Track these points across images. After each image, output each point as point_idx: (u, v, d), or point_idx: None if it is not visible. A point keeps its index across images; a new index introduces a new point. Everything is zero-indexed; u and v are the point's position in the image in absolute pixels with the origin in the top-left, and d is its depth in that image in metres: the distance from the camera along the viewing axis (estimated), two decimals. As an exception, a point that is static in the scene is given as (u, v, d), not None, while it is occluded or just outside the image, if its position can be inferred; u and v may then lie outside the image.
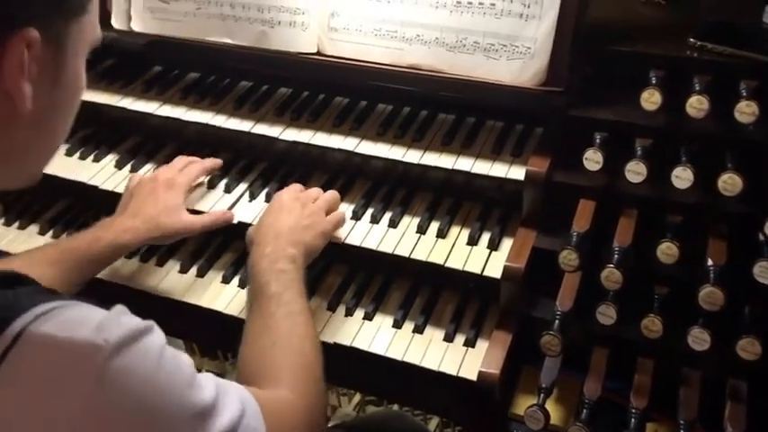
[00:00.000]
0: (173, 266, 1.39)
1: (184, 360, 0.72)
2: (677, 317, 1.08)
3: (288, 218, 1.16)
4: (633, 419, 1.07)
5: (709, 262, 1.06)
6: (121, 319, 0.67)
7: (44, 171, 0.79)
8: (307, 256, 1.14)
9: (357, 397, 2.04)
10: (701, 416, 1.08)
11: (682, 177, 1.08)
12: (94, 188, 1.42)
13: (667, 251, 1.08)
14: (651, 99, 1.10)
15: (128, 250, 1.24)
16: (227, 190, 1.39)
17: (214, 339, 1.58)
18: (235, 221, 1.32)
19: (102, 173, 1.45)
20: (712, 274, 1.04)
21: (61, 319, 0.63)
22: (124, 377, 0.63)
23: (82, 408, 0.61)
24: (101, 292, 0.75)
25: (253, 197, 1.37)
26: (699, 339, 1.05)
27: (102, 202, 1.42)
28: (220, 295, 1.31)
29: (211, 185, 1.40)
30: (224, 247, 1.42)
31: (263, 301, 1.03)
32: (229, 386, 0.77)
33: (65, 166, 1.46)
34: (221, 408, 0.72)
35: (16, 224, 1.51)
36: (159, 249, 1.41)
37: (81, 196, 1.51)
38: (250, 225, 1.23)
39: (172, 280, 1.36)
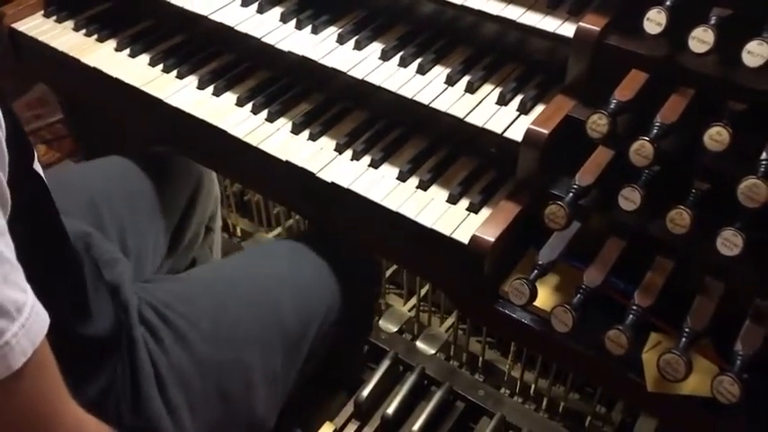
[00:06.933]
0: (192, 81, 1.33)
1: None
2: (712, 219, 0.92)
3: None
4: (631, 315, 0.93)
5: (764, 155, 0.89)
6: None
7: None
8: None
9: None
10: (713, 333, 0.94)
11: (755, 54, 0.89)
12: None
13: (716, 136, 0.91)
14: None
15: None
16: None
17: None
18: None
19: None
20: (763, 168, 0.88)
21: None
22: None
23: None
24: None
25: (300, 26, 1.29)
26: (729, 243, 0.89)
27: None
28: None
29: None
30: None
31: None
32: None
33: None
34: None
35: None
36: (183, 64, 1.36)
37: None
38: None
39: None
